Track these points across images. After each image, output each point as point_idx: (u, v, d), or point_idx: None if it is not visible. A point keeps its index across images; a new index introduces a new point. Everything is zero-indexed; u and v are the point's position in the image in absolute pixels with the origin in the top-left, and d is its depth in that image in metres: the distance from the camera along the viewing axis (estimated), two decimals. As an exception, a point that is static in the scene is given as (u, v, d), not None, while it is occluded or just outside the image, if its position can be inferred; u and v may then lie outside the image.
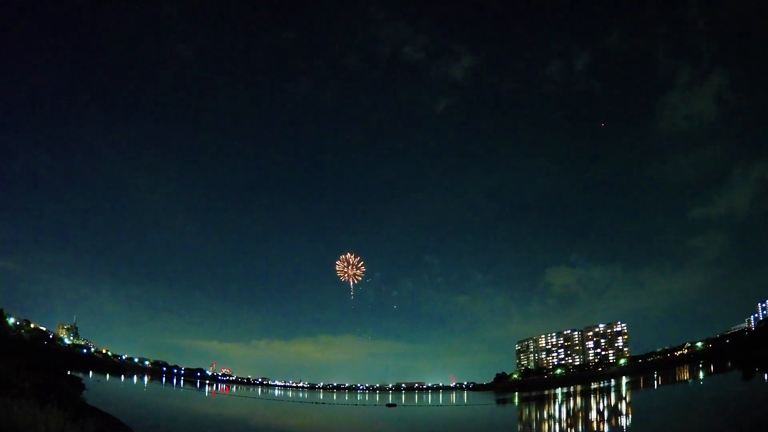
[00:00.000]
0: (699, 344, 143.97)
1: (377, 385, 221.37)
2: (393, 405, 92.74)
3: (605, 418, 51.10)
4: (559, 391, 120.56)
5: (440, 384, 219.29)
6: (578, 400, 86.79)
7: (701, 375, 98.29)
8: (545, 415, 63.15)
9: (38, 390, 26.77)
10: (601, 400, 77.86)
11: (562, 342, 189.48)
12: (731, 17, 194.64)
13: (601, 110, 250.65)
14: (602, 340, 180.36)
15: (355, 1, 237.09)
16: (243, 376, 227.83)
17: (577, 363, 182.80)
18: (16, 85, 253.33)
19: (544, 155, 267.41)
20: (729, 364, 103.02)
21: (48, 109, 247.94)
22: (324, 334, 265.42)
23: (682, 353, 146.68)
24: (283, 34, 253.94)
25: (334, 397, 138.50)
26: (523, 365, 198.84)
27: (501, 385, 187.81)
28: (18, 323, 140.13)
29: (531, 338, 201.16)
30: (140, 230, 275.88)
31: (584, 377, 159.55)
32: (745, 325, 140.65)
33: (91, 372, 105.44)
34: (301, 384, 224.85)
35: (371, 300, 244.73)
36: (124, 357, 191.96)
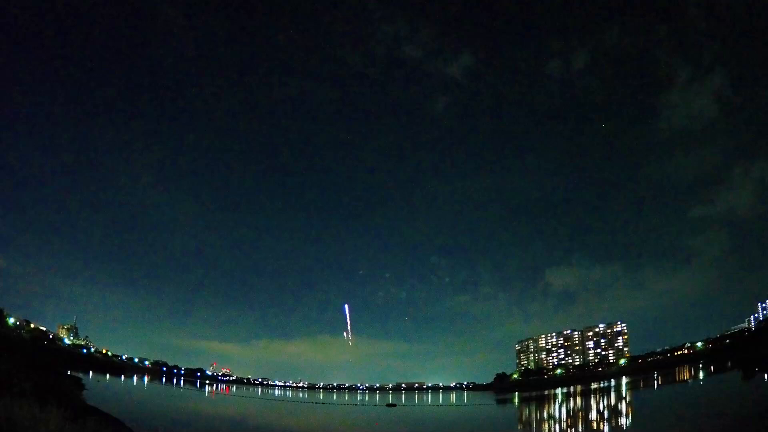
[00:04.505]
0: (699, 344, 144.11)
1: (377, 385, 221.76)
2: (393, 405, 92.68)
3: (605, 418, 51.07)
4: (559, 391, 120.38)
5: (440, 384, 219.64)
6: (578, 400, 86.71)
7: (701, 375, 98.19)
8: (545, 415, 63.09)
9: (38, 390, 26.74)
10: (601, 400, 77.79)
11: (562, 342, 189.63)
12: (731, 17, 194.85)
13: (601, 110, 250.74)
14: (602, 340, 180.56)
15: (354, 0, 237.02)
16: (243, 376, 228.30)
17: (577, 363, 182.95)
18: (16, 85, 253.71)
19: (544, 155, 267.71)
20: (729, 364, 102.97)
21: (48, 108, 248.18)
22: (324, 334, 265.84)
23: (682, 353, 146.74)
24: (282, 33, 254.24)
25: (334, 397, 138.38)
26: (523, 365, 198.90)
27: (501, 385, 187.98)
28: (18, 323, 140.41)
29: (531, 338, 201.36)
30: (140, 230, 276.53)
31: (584, 377, 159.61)
32: (745, 325, 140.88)
33: (91, 372, 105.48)
34: (301, 384, 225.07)
35: (380, 301, 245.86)
36: (124, 357, 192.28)
